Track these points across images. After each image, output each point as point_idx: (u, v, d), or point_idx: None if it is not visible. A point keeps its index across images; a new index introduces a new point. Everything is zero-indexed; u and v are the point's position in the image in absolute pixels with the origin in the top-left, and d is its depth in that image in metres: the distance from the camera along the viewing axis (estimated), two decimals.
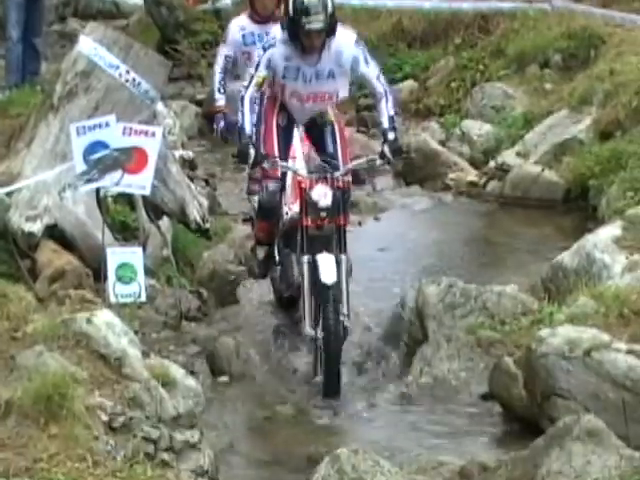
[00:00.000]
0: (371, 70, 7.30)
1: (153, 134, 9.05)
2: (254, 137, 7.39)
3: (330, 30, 7.06)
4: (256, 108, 7.55)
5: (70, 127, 8.90)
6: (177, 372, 6.92)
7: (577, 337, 6.97)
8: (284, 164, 7.38)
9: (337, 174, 7.05)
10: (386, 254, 11.06)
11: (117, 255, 8.76)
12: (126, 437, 5.93)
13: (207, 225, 10.80)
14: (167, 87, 13.47)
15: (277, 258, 7.72)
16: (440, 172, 13.00)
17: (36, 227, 9.08)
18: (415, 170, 12.74)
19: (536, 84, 15.29)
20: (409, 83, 16.17)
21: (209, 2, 18.55)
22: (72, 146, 8.90)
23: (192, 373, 7.81)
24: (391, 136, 7.21)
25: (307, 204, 6.98)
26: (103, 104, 9.76)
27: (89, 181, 8.99)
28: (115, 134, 8.92)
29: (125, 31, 15.90)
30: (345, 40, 7.28)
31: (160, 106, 11.52)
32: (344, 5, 15.19)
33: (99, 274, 8.75)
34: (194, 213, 10.50)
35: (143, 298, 8.87)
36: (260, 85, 7.27)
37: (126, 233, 9.70)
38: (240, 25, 10.36)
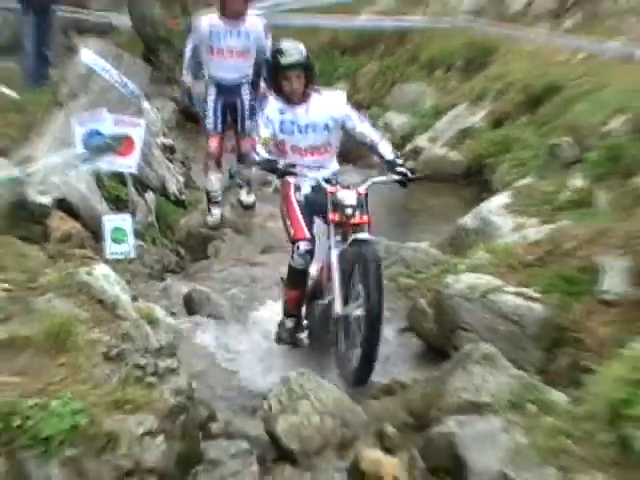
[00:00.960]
0: (365, 125, 6.65)
1: (139, 124, 9.13)
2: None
3: (307, 75, 6.34)
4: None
5: (72, 120, 8.93)
6: (160, 313, 6.63)
7: (476, 282, 7.10)
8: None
9: (359, 186, 6.28)
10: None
11: (112, 221, 8.83)
12: (119, 365, 5.74)
13: (183, 197, 11.14)
14: (150, 88, 13.50)
15: (305, 323, 6.69)
16: (368, 153, 12.70)
17: (47, 200, 8.92)
18: (350, 152, 12.48)
19: (443, 83, 15.53)
20: (342, 83, 16.11)
21: (183, 25, 18.46)
22: (74, 134, 8.89)
23: (172, 314, 7.84)
24: (401, 161, 6.53)
25: (334, 204, 6.17)
26: (99, 101, 9.56)
27: (87, 161, 9.03)
28: (108, 125, 9.00)
29: (117, 44, 15.03)
30: (337, 98, 6.62)
31: (145, 103, 11.27)
32: (289, 25, 15.14)
33: (98, 237, 8.82)
34: (173, 188, 10.86)
35: (133, 255, 8.98)
36: (266, 144, 6.44)
37: (119, 204, 9.72)
38: (210, 22, 9.74)
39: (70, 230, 8.97)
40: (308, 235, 6.18)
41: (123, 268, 8.36)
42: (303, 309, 6.59)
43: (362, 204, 6.07)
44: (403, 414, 6.10)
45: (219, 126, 10.08)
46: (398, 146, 13.84)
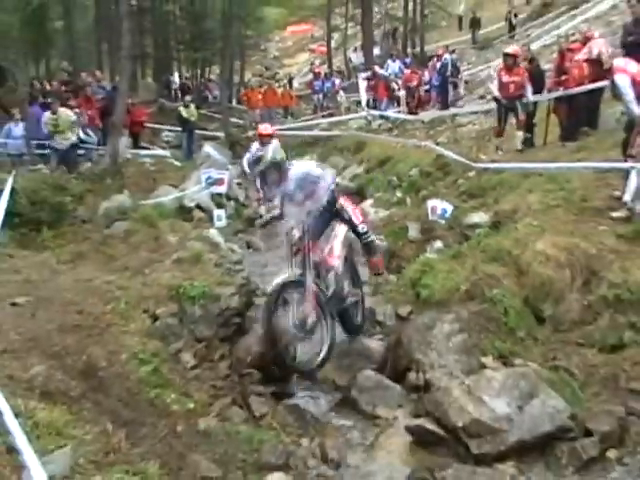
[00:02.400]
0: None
1: (226, 173, 16.41)
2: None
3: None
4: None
5: (201, 172, 16.48)
6: (236, 247, 12.33)
7: None
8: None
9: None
10: None
11: (216, 211, 14.72)
12: (223, 267, 9.83)
13: (245, 202, 17.96)
14: (230, 160, 21.43)
15: None
16: None
17: (191, 204, 15.17)
18: None
19: (346, 158, 22.48)
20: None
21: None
22: (201, 178, 16.22)
23: (242, 248, 13.08)
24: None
25: None
26: (211, 166, 17.66)
27: (206, 189, 16.01)
28: (213, 174, 16.22)
29: (218, 143, 23.81)
30: (308, 167, 7.91)
31: (229, 166, 18.85)
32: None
33: (212, 218, 14.48)
34: (240, 199, 18.12)
35: (225, 225, 14.26)
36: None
37: (219, 205, 15.91)
38: (255, 147, 13.34)
39: (201, 216, 15.05)
40: None
41: (221, 229, 13.68)
42: None
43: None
44: None
45: None
46: None
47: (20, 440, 4.28)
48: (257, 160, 8.03)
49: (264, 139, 14.07)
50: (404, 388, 7.11)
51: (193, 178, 16.81)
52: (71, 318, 7.01)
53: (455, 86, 25.69)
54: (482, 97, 24.14)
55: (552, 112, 14.75)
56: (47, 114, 16.61)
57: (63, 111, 17.18)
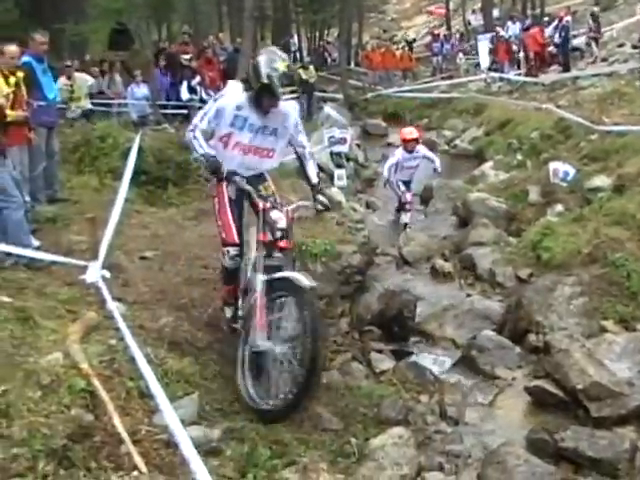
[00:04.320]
0: (302, 135, 5.98)
1: (348, 133, 16.72)
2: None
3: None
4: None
5: (324, 131, 16.71)
6: (357, 206, 12.99)
7: (480, 195, 12.89)
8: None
9: (289, 207, 5.54)
10: None
11: (337, 171, 14.93)
12: (344, 226, 9.60)
13: (366, 163, 18.62)
14: (350, 120, 21.65)
15: (240, 313, 5.75)
16: None
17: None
18: None
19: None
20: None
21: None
22: (324, 137, 16.26)
23: (362, 207, 13.70)
24: (321, 189, 5.96)
25: (265, 222, 5.42)
26: (332, 125, 17.74)
27: (328, 148, 16.08)
28: (336, 133, 16.42)
29: (338, 104, 24.76)
30: (291, 105, 5.98)
31: (349, 127, 19.06)
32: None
33: (332, 178, 14.54)
34: (360, 159, 18.62)
35: (345, 185, 14.33)
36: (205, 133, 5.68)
37: (339, 164, 16.01)
38: (400, 154, 13.03)
39: (321, 176, 12.69)
40: (237, 240, 5.63)
41: (341, 189, 13.84)
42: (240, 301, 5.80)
43: (290, 228, 5.47)
44: (451, 247, 10.59)
45: None
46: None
47: (153, 385, 4.39)
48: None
49: (409, 145, 12.70)
50: (523, 349, 7.11)
51: (315, 138, 16.43)
52: (197, 272, 7.14)
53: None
54: (604, 60, 23.61)
55: None
56: (62, 79, 15.84)
57: (79, 77, 16.97)
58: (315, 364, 4.90)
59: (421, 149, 12.89)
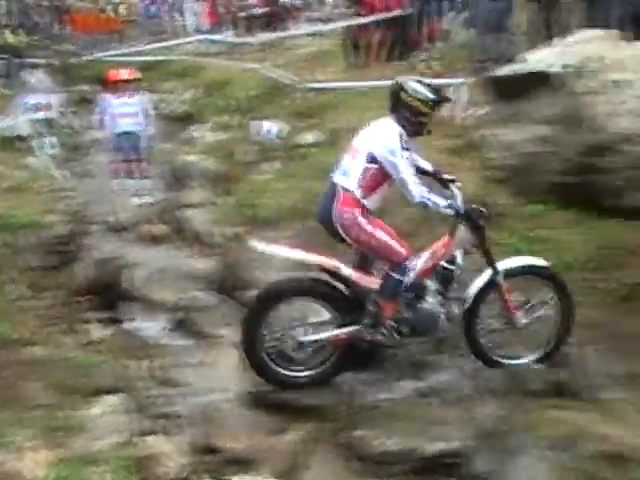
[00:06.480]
0: None
1: (53, 98, 15.54)
2: None
3: None
4: None
5: (21, 99, 15.17)
6: (66, 173, 12.45)
7: None
8: None
9: None
10: None
11: (45, 139, 14.09)
12: (49, 198, 9.55)
13: (80, 130, 16.45)
14: None
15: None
16: None
17: (16, 133, 14.26)
18: None
19: None
20: None
21: None
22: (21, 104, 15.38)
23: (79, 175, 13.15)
24: None
25: None
26: (36, 92, 17.10)
27: (28, 114, 14.72)
28: (37, 99, 15.11)
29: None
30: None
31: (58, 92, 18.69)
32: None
33: (41, 146, 13.92)
34: (75, 125, 16.85)
35: (55, 152, 13.80)
36: None
37: (43, 134, 14.53)
38: (110, 99, 11.81)
39: (29, 145, 14.09)
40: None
41: (52, 158, 13.57)
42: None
43: None
44: (166, 210, 10.54)
45: None
46: None
47: None
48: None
49: (120, 87, 11.56)
50: (234, 307, 7.17)
51: (14, 105, 15.77)
52: None
53: None
54: (320, 20, 24.02)
55: None
56: None
57: None
58: None
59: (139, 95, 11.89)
